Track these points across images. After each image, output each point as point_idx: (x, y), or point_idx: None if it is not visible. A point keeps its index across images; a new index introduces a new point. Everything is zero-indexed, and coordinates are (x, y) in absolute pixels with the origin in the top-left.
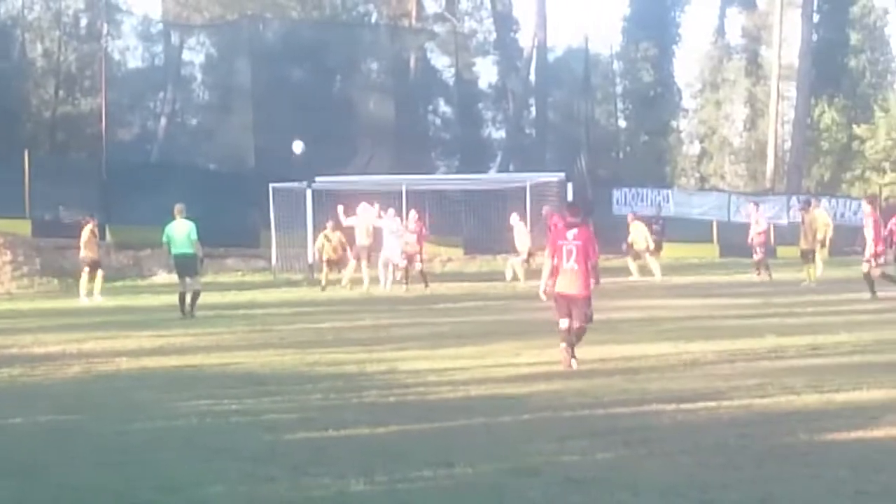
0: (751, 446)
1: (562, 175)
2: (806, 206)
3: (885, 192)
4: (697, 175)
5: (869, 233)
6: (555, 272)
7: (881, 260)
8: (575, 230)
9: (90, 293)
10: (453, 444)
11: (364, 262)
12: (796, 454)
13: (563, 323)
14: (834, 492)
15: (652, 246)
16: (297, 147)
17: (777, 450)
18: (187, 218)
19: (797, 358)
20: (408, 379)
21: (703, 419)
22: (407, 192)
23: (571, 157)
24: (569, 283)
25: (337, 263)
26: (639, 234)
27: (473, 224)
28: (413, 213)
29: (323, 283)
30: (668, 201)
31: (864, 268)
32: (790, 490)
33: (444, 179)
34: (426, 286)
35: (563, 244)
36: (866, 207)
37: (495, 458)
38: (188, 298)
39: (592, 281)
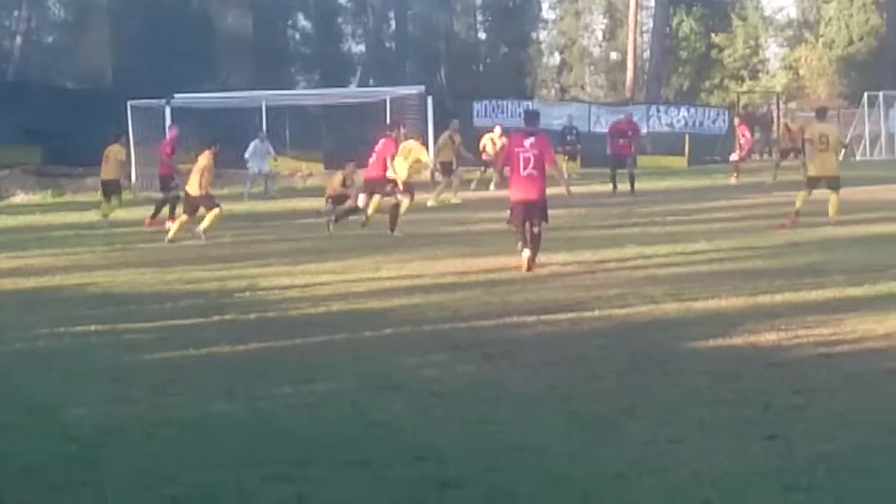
0: (612, 356)
1: (422, 88)
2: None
3: (744, 99)
4: (558, 86)
5: None
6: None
7: None
8: (532, 139)
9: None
10: (315, 360)
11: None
12: (656, 363)
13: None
14: (693, 400)
15: None
16: None
17: (638, 359)
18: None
19: (657, 267)
20: (269, 296)
21: (565, 330)
22: (266, 107)
23: (431, 71)
24: (527, 189)
25: None
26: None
27: (334, 139)
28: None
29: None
30: None
31: None
32: (651, 399)
33: (304, 94)
34: None
35: (520, 152)
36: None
37: (357, 373)
38: None
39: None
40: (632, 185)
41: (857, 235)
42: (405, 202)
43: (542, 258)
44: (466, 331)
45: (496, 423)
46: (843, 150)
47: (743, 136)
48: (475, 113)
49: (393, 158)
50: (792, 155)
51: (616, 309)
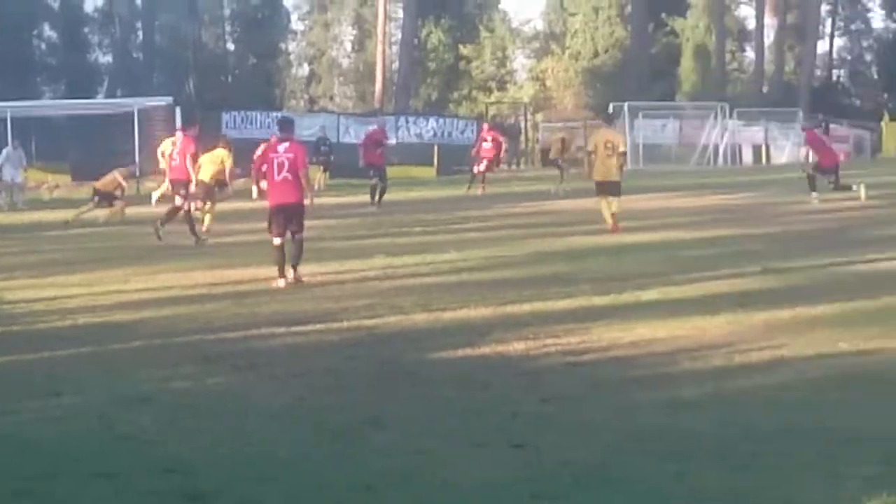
0: (360, 367)
1: (170, 99)
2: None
3: (492, 110)
4: (307, 97)
5: None
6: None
7: None
8: (286, 144)
9: None
10: (62, 373)
11: None
12: (405, 374)
13: (278, 240)
14: (442, 410)
15: None
16: None
17: (386, 370)
18: None
19: (406, 277)
20: (15, 309)
21: (314, 342)
22: (11, 118)
23: (180, 81)
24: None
25: None
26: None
27: (81, 150)
28: None
29: None
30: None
31: None
32: (399, 410)
33: (50, 105)
34: None
35: (275, 157)
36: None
37: (105, 386)
38: None
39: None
40: (380, 196)
41: (602, 245)
42: (200, 204)
43: (290, 269)
44: (216, 343)
45: (245, 435)
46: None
47: (493, 146)
48: (224, 124)
49: (193, 156)
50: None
51: (365, 320)
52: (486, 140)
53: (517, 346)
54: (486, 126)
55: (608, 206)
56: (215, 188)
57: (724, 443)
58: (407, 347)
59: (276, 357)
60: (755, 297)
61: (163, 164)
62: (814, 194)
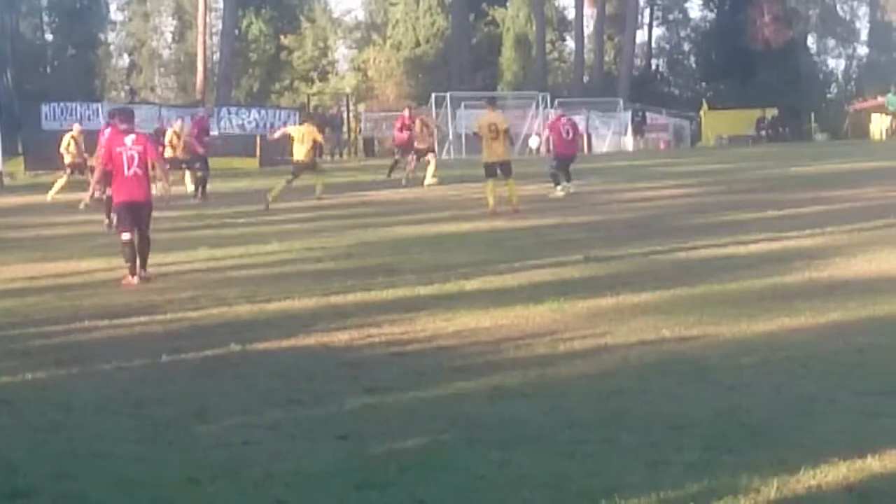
0: (185, 360)
1: None
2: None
3: (314, 101)
4: (128, 88)
5: None
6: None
7: None
8: (133, 136)
9: None
10: None
11: None
12: (229, 366)
13: (127, 236)
14: (266, 402)
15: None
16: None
17: (210, 362)
18: None
19: (230, 269)
20: None
21: (138, 334)
22: None
23: None
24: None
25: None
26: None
27: None
28: None
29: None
30: (97, 115)
31: None
32: (224, 402)
33: None
34: None
35: (123, 150)
36: None
37: None
38: None
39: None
40: (203, 187)
41: (426, 234)
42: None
43: (113, 262)
44: (37, 336)
45: (67, 430)
46: (511, 138)
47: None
48: (44, 116)
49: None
50: (414, 156)
51: (189, 312)
52: (408, 127)
53: (341, 337)
54: (409, 110)
55: (493, 191)
56: (314, 162)
57: (547, 430)
58: (231, 339)
59: (100, 350)
60: (578, 286)
61: (67, 159)
62: (559, 187)
